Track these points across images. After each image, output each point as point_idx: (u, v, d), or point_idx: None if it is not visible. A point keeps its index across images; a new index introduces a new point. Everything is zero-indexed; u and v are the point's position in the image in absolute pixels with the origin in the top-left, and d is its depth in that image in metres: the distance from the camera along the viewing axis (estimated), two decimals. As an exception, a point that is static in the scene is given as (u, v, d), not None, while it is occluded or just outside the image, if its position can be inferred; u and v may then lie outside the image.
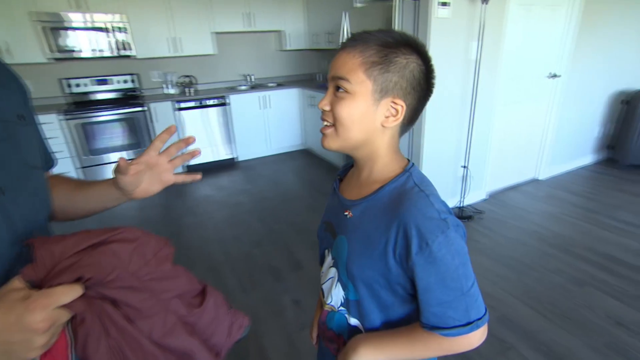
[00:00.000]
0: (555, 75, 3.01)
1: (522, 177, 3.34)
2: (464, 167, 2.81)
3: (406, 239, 0.56)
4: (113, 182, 0.64)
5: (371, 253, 0.61)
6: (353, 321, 0.70)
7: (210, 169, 4.23)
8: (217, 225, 2.88)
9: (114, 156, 3.67)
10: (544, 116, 3.18)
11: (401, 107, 0.59)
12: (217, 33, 4.16)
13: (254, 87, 4.52)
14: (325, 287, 0.75)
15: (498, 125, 2.87)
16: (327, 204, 0.79)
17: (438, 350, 0.61)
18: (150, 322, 0.46)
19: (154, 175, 0.67)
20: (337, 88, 0.59)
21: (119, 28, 3.50)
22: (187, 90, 4.13)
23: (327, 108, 0.62)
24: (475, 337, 0.58)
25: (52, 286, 0.41)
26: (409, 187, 0.60)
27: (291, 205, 3.17)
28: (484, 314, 0.58)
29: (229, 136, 4.23)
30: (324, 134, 0.64)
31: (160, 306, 0.47)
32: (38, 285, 0.42)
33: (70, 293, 0.42)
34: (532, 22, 2.70)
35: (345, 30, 2.88)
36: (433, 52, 2.30)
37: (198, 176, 0.72)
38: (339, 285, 0.70)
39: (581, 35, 2.95)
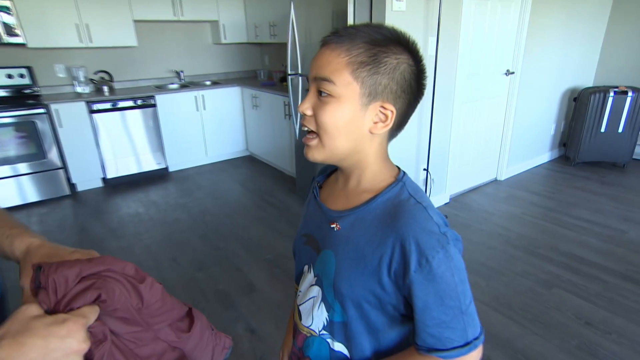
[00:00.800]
0: (510, 72, 3.29)
1: (482, 179, 3.58)
2: (425, 169, 2.94)
3: (404, 254, 0.56)
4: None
5: (363, 270, 0.61)
6: (338, 346, 0.69)
7: (136, 182, 3.97)
8: (150, 248, 2.70)
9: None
10: (502, 115, 3.45)
11: (391, 112, 0.59)
12: (139, 21, 3.95)
13: (186, 85, 4.36)
14: (304, 308, 0.73)
15: (457, 124, 3.05)
16: (305, 214, 0.77)
17: None
18: (140, 351, 0.50)
19: None
20: (320, 91, 0.58)
21: (1, 7, 3.15)
22: (104, 88, 3.85)
23: (309, 112, 0.60)
24: (472, 358, 0.60)
25: (75, 308, 0.44)
26: (404, 198, 0.61)
27: (237, 220, 3.08)
28: (480, 333, 0.60)
29: (158, 143, 4.01)
30: (307, 145, 0.62)
31: (152, 336, 0.52)
32: (51, 311, 0.44)
33: (95, 313, 0.45)
34: (487, 17, 2.93)
35: (293, 22, 2.88)
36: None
37: None
38: (322, 306, 0.68)
39: (532, 32, 3.26)
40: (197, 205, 3.37)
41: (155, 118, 3.92)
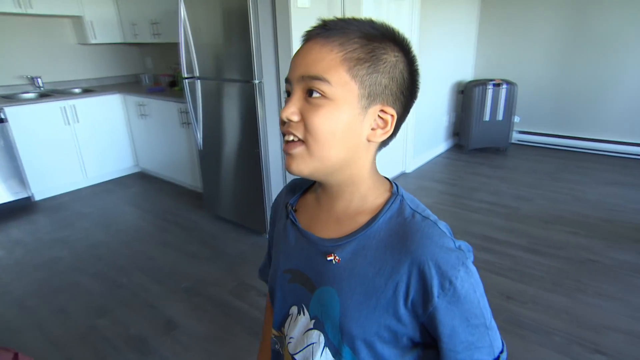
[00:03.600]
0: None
1: (393, 172, 3.83)
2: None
3: (423, 280, 0.52)
4: None
5: (375, 304, 0.55)
6: None
7: (-10, 218, 3.28)
8: (22, 301, 2.23)
9: None
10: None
11: (391, 116, 0.55)
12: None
13: (47, 94, 3.75)
14: (301, 357, 0.65)
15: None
16: (283, 247, 0.69)
17: None
18: None
19: None
20: (310, 92, 0.52)
21: None
22: None
23: (296, 118, 0.53)
24: None
25: None
26: (407, 215, 0.56)
27: (138, 248, 2.75)
28: (503, 345, 0.59)
29: (13, 167, 3.35)
30: (290, 155, 0.55)
31: None
32: None
33: None
34: (383, 16, 3.14)
35: (185, 20, 2.68)
36: (298, 46, 2.38)
37: None
38: (326, 351, 0.61)
39: (423, 30, 3.59)
40: (82, 237, 2.92)
41: (6, 136, 3.28)
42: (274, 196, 2.72)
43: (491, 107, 4.20)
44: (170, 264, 2.55)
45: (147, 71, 4.58)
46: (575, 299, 2.09)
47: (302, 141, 0.54)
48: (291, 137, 0.54)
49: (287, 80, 0.56)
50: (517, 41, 4.49)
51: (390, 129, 0.56)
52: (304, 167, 0.55)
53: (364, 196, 0.59)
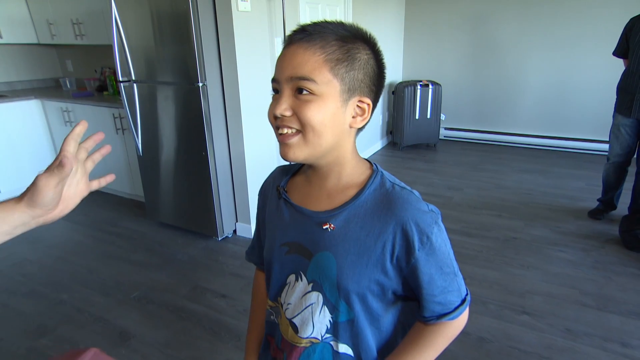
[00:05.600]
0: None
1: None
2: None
3: (406, 237, 0.64)
4: (26, 201, 0.56)
5: (367, 261, 0.67)
6: (342, 348, 0.73)
7: None
8: (-50, 328, 2.06)
9: None
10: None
11: (367, 105, 0.66)
12: None
13: (-48, 101, 3.42)
14: (300, 319, 0.75)
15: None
16: (279, 224, 0.78)
17: (445, 340, 0.72)
18: None
19: (70, 186, 0.63)
20: (299, 90, 0.61)
21: None
22: None
23: (289, 113, 0.62)
24: (466, 312, 0.73)
25: None
26: (388, 187, 0.69)
27: (76, 262, 2.64)
28: (467, 290, 0.74)
29: None
30: (285, 144, 0.64)
31: None
32: None
33: None
34: (319, 18, 3.32)
35: (117, 20, 2.63)
36: (240, 49, 2.48)
37: (112, 177, 0.68)
38: (324, 309, 0.72)
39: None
40: (5, 257, 2.72)
41: None
42: (223, 198, 2.76)
43: (420, 106, 4.59)
44: (116, 275, 2.49)
45: (68, 75, 4.32)
46: (503, 272, 2.42)
47: (298, 132, 0.64)
48: (286, 130, 0.64)
49: (275, 80, 0.65)
50: (437, 45, 4.96)
51: (367, 116, 0.68)
52: (300, 153, 0.65)
53: (350, 174, 0.71)
